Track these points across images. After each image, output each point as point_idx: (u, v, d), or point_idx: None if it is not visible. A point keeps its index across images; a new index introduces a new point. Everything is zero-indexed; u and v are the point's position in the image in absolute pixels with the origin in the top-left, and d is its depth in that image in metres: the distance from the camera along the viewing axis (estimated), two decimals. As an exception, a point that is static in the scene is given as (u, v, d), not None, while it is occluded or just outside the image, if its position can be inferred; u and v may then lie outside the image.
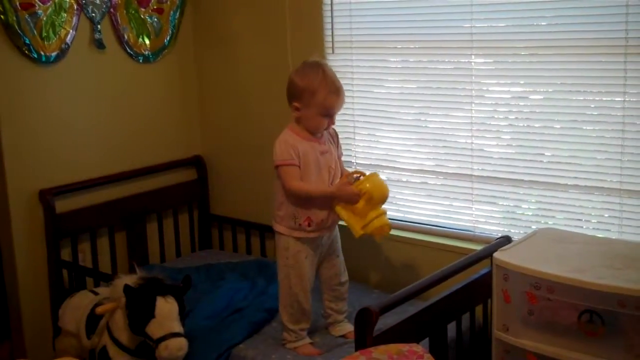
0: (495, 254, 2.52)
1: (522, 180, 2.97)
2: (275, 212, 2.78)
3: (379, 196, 2.69)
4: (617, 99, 2.69)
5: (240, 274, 3.35)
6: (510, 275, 2.44)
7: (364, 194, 2.66)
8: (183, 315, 2.64)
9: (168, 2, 3.72)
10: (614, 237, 2.76)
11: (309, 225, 2.72)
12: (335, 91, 2.69)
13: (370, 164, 3.38)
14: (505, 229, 3.03)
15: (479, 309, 2.79)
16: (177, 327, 2.55)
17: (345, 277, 2.92)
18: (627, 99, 2.66)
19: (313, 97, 2.66)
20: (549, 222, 2.91)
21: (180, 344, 2.52)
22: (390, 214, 3.33)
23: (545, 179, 2.91)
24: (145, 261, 3.65)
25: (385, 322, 2.39)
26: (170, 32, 3.76)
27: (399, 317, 2.44)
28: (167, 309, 2.55)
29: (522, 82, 2.92)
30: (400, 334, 2.36)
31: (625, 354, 2.23)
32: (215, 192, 3.98)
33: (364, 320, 2.28)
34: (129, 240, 3.61)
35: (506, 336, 2.46)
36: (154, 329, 2.53)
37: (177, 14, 3.78)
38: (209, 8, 3.82)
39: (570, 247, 2.57)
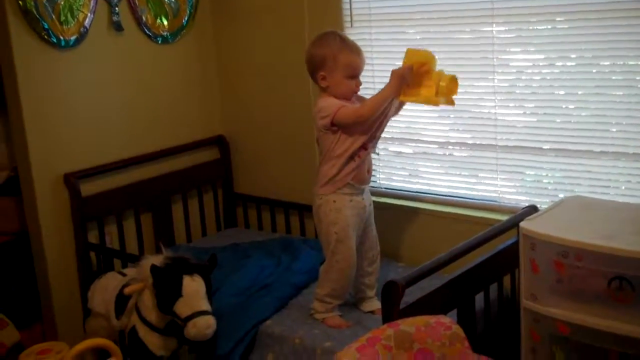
0: (522, 223, 2.49)
1: (547, 148, 2.94)
2: (324, 175, 2.75)
3: (424, 58, 2.63)
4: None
5: (266, 252, 3.36)
6: (538, 244, 2.41)
7: (410, 65, 2.62)
8: (210, 294, 2.65)
9: (184, -17, 3.71)
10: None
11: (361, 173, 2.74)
12: (356, 51, 2.72)
13: (394, 137, 3.36)
14: (532, 199, 3.00)
15: (506, 279, 2.78)
16: (205, 306, 2.57)
17: (378, 250, 2.93)
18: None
19: (336, 61, 2.67)
20: (576, 190, 2.88)
21: (208, 322, 2.53)
22: (415, 187, 3.37)
23: (570, 146, 2.88)
24: (172, 242, 3.67)
25: (414, 295, 2.38)
26: (188, 12, 3.74)
27: (427, 290, 2.42)
28: (194, 287, 2.57)
29: (544, 49, 2.86)
30: (428, 306, 2.35)
31: (656, 321, 2.21)
32: (238, 171, 3.98)
33: (390, 294, 2.27)
34: (154, 221, 3.63)
35: (535, 305, 2.44)
36: (182, 308, 2.55)
37: (194, -7, 3.76)
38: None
39: (598, 214, 2.54)
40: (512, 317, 2.71)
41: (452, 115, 3.18)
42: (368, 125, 2.68)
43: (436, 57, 2.64)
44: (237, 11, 3.78)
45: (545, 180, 3.00)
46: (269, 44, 3.68)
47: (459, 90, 2.63)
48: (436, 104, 2.66)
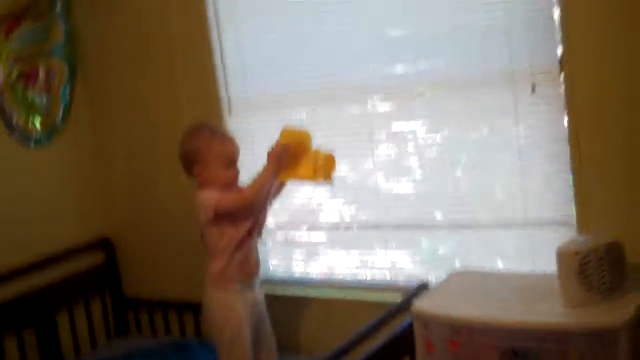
0: (414, 304, 2.47)
1: (437, 220, 2.94)
2: (211, 271, 2.67)
3: (299, 137, 2.63)
4: (512, 128, 2.70)
5: (160, 359, 3.19)
6: (430, 323, 2.38)
7: (286, 144, 2.61)
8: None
9: (56, 80, 3.58)
10: (526, 270, 2.75)
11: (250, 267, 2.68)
12: (228, 138, 2.71)
13: (283, 221, 3.30)
14: (429, 272, 2.98)
15: (407, 360, 2.73)
16: None
17: (275, 345, 2.86)
18: (521, 129, 2.69)
19: (210, 152, 2.64)
20: (470, 260, 2.88)
21: None
22: (310, 273, 3.30)
23: (459, 216, 2.89)
24: (60, 357, 3.46)
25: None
26: (61, 111, 3.61)
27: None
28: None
29: (423, 121, 2.90)
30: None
31: (552, 390, 2.19)
32: (127, 274, 3.82)
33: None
34: (38, 336, 3.40)
35: (434, 387, 2.40)
36: None
37: (67, 89, 3.63)
38: (100, 82, 3.72)
39: (486, 287, 2.54)
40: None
41: (339, 196, 3.15)
42: (252, 210, 2.63)
43: (310, 135, 2.65)
44: (115, 106, 3.69)
45: (440, 252, 2.99)
46: (149, 138, 3.59)
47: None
48: (314, 179, 2.65)
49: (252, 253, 2.71)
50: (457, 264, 2.89)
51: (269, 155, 2.62)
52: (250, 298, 2.71)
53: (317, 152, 2.63)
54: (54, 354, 3.44)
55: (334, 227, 3.21)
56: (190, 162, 2.66)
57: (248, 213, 2.65)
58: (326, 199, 3.18)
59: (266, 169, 2.62)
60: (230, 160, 2.67)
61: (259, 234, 2.79)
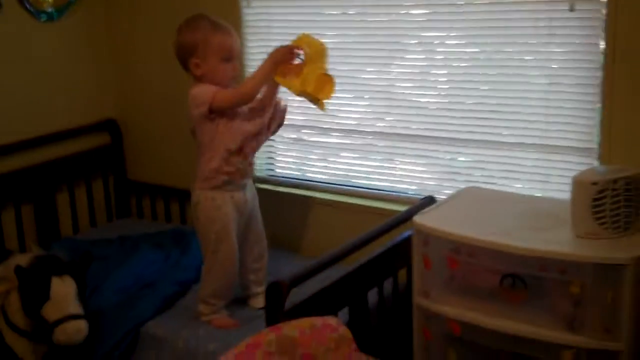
0: (415, 217, 2.39)
1: (452, 138, 2.82)
2: (203, 169, 2.57)
3: (315, 49, 2.48)
4: (543, 50, 2.55)
5: (155, 245, 3.16)
6: (431, 239, 2.31)
7: (297, 48, 2.47)
8: (84, 295, 2.45)
9: (71, -46, 3.45)
10: (539, 195, 2.64)
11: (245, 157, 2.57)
12: (229, 32, 2.55)
13: (294, 124, 3.19)
14: (437, 190, 2.88)
15: (402, 273, 2.67)
16: (75, 309, 2.37)
17: (265, 245, 2.77)
18: (554, 50, 2.53)
19: (208, 44, 2.50)
20: (485, 180, 2.78)
21: (78, 327, 2.34)
22: (317, 176, 3.22)
23: (477, 136, 2.76)
24: (57, 235, 3.44)
25: (306, 292, 2.24)
26: (76, -15, 3.49)
27: (320, 286, 2.28)
28: (63, 289, 2.37)
29: (460, 35, 2.73)
30: (317, 305, 2.22)
31: (548, 318, 2.12)
32: (132, 157, 3.76)
33: (274, 295, 2.13)
34: (36, 212, 3.37)
35: (427, 303, 2.34)
36: (50, 312, 2.35)
37: (83, -34, 3.50)
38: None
39: (495, 207, 2.46)
40: (407, 312, 2.60)
41: (363, 102, 3.03)
42: (248, 104, 2.54)
43: (326, 51, 2.49)
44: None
45: (452, 169, 2.87)
46: (165, 26, 3.40)
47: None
48: (295, 90, 2.48)
49: (248, 159, 2.60)
50: (473, 180, 2.79)
51: (272, 52, 2.49)
52: (239, 197, 2.61)
53: (316, 69, 2.46)
54: (52, 231, 3.41)
55: (350, 132, 3.09)
56: (187, 53, 2.52)
57: (243, 106, 2.54)
58: (346, 102, 3.05)
59: (263, 63, 2.49)
60: (230, 54, 2.53)
61: (258, 146, 2.66)
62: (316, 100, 2.48)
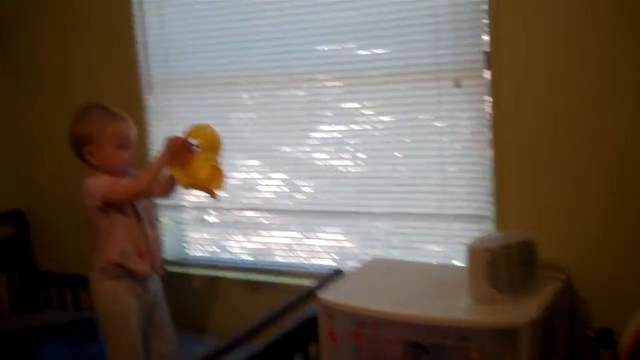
0: (319, 293, 2.41)
1: (368, 213, 2.87)
2: (100, 261, 2.53)
3: (208, 140, 2.51)
4: (436, 124, 2.65)
5: (62, 336, 3.06)
6: (335, 313, 2.33)
7: (185, 138, 2.49)
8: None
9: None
10: (443, 262, 2.71)
11: (142, 258, 2.53)
12: (121, 119, 2.57)
13: (201, 206, 3.21)
14: (346, 261, 2.92)
15: (313, 347, 2.66)
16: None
17: (171, 329, 2.74)
18: (442, 124, 2.64)
19: (102, 132, 2.51)
20: (392, 252, 2.84)
21: None
22: (228, 256, 3.22)
23: (382, 209, 2.83)
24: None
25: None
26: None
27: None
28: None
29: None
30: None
31: (453, 386, 2.16)
32: (39, 248, 3.69)
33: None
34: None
35: (336, 378, 2.35)
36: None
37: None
38: (18, 56, 3.59)
39: (398, 277, 2.51)
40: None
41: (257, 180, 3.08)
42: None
43: (219, 140, 2.53)
44: (33, 83, 3.57)
45: (368, 242, 2.91)
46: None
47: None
48: (180, 183, 2.53)
49: (144, 244, 2.57)
50: (380, 252, 2.85)
51: (167, 143, 2.52)
52: (140, 288, 2.58)
53: (208, 160, 2.50)
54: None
55: (267, 209, 3.12)
56: (81, 144, 2.52)
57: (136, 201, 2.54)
58: (263, 177, 3.10)
59: (158, 158, 2.51)
60: (125, 141, 2.54)
61: (152, 221, 2.64)
62: (208, 191, 2.51)
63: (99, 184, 2.48)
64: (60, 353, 2.93)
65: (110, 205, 2.49)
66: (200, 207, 3.23)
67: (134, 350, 2.55)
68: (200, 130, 2.54)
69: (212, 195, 2.52)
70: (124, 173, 2.57)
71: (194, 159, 2.49)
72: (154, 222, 2.63)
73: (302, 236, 3.05)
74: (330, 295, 2.38)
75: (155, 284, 2.67)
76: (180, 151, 2.48)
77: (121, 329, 2.52)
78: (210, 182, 2.49)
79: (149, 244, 2.56)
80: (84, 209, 2.54)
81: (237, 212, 3.17)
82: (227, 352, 2.28)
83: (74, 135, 2.55)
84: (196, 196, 3.13)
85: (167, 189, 2.65)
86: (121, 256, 2.50)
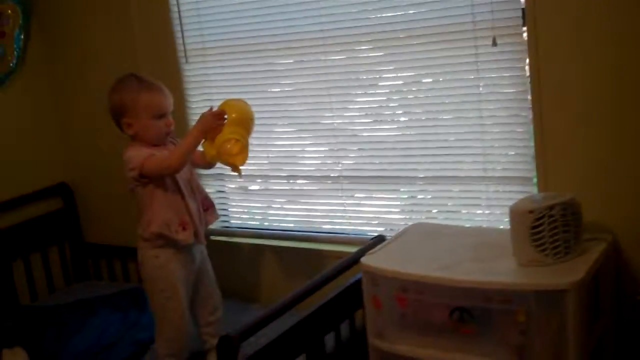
0: (362, 259, 2.42)
1: (409, 177, 2.84)
2: (143, 232, 2.56)
3: (239, 114, 2.49)
4: (476, 84, 2.60)
5: (113, 306, 3.14)
6: (379, 279, 2.34)
7: (217, 113, 2.48)
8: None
9: (10, 24, 3.46)
10: (485, 226, 2.69)
11: (184, 228, 2.55)
12: (157, 89, 2.56)
13: (248, 174, 3.22)
14: (389, 228, 2.91)
15: (359, 315, 2.68)
16: (26, 380, 2.36)
17: (219, 297, 2.77)
18: (482, 85, 2.59)
19: (138, 103, 2.51)
20: (433, 217, 2.82)
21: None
22: (272, 224, 3.24)
23: (422, 173, 2.80)
24: (15, 302, 3.41)
25: (263, 340, 2.25)
26: (15, 54, 3.50)
27: (277, 333, 2.28)
28: (14, 361, 2.36)
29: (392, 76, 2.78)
30: (273, 354, 2.23)
31: (498, 349, 2.15)
32: (86, 220, 3.76)
33: (225, 349, 2.13)
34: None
35: (381, 343, 2.36)
36: (2, 384, 2.34)
37: (22, 35, 3.52)
38: (55, 27, 3.61)
39: (440, 242, 2.50)
40: (365, 355, 2.62)
41: (307, 148, 3.09)
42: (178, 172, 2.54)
43: (252, 116, 2.52)
44: (71, 55, 3.60)
45: (404, 208, 2.91)
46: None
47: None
48: (209, 158, 2.52)
49: (186, 215, 2.57)
50: (422, 217, 2.83)
51: (200, 118, 2.51)
52: (185, 256, 2.60)
53: (234, 133, 2.46)
54: (10, 300, 3.39)
55: (308, 177, 3.11)
56: (118, 114, 2.54)
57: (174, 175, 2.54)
58: (303, 148, 3.10)
59: (190, 132, 2.52)
60: (160, 111, 2.54)
61: (196, 196, 2.65)
62: (231, 165, 2.50)
63: (135, 155, 2.50)
64: (111, 323, 2.99)
65: (149, 177, 2.50)
66: (243, 176, 3.24)
67: (182, 317, 2.59)
68: (232, 104, 2.53)
69: (236, 170, 2.50)
70: (164, 143, 2.58)
71: (222, 132, 2.48)
72: (196, 193, 2.64)
73: (344, 203, 3.04)
74: (373, 260, 2.38)
75: (201, 253, 2.70)
76: (212, 126, 2.47)
77: (168, 296, 2.56)
78: (234, 156, 2.46)
79: (191, 215, 2.57)
80: (126, 179, 2.57)
81: (279, 181, 3.18)
82: (272, 320, 2.30)
83: (111, 106, 2.57)
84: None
85: (209, 161, 2.66)
86: (163, 227, 2.52)
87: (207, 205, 2.70)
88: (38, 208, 3.60)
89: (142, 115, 2.51)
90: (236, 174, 2.53)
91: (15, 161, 3.53)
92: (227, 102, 2.54)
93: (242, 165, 2.49)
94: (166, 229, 2.53)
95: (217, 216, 2.76)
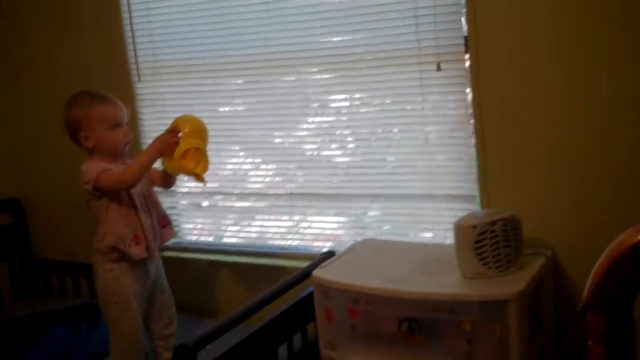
0: (314, 272, 2.51)
1: (359, 195, 2.94)
2: (98, 244, 2.60)
3: (192, 127, 2.55)
4: (420, 108, 2.73)
5: (65, 320, 3.16)
6: (330, 291, 2.43)
7: (176, 128, 2.53)
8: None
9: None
10: (430, 242, 2.81)
11: (137, 243, 2.60)
12: (109, 101, 2.62)
13: (197, 191, 3.29)
14: (338, 244, 3.00)
15: (311, 327, 2.76)
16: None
17: (173, 311, 2.82)
18: (427, 107, 2.72)
19: (91, 116, 2.56)
20: (382, 232, 2.92)
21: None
22: (225, 240, 3.31)
23: (372, 190, 2.91)
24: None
25: (216, 352, 2.31)
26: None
27: (229, 345, 2.34)
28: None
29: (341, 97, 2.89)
30: (228, 365, 2.30)
31: (445, 357, 2.26)
32: (37, 235, 3.76)
33: (181, 358, 2.18)
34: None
35: (332, 353, 2.45)
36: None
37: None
38: (7, 43, 3.64)
39: (388, 257, 2.61)
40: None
41: (253, 166, 3.16)
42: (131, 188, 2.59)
43: (205, 128, 2.60)
44: (23, 70, 3.62)
45: (353, 225, 3.00)
46: (58, 103, 3.48)
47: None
48: (171, 171, 2.60)
49: (139, 230, 2.62)
50: (370, 234, 2.93)
51: (156, 139, 2.57)
52: (139, 270, 2.65)
53: (192, 144, 2.53)
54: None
55: (261, 195, 3.19)
56: (74, 130, 2.58)
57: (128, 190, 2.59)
58: (254, 167, 3.18)
59: (146, 150, 2.57)
60: (115, 121, 2.59)
61: (150, 210, 2.69)
62: (193, 175, 2.57)
63: (90, 169, 2.54)
64: (64, 336, 3.02)
65: (102, 191, 2.55)
66: (194, 194, 3.31)
67: (136, 329, 2.63)
68: (184, 119, 2.60)
69: (199, 178, 2.57)
70: (122, 156, 2.63)
71: (179, 145, 2.53)
72: (152, 209, 2.69)
73: (294, 220, 3.13)
74: (324, 273, 2.48)
75: (157, 267, 2.74)
76: (167, 142, 2.53)
77: (122, 309, 2.59)
78: (194, 164, 2.54)
79: (144, 230, 2.62)
80: (81, 191, 2.60)
81: (230, 198, 3.25)
82: (229, 329, 2.36)
83: (66, 122, 2.61)
84: (190, 184, 3.21)
85: (167, 180, 2.72)
86: (116, 240, 2.56)
87: (165, 223, 2.76)
88: (-12, 224, 3.60)
89: (97, 127, 2.56)
90: (200, 183, 2.59)
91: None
92: (179, 118, 2.61)
93: (204, 173, 2.56)
94: (119, 242, 2.57)
95: (174, 233, 2.82)
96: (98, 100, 2.60)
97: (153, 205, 2.70)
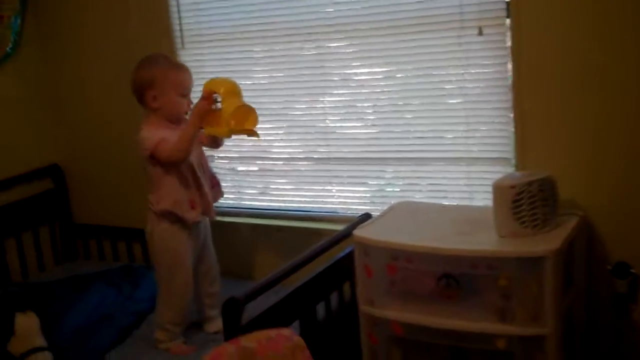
0: (355, 231, 2.58)
1: (386, 158, 3.03)
2: (154, 207, 2.69)
3: (225, 87, 2.60)
4: (456, 72, 2.79)
5: (106, 282, 3.26)
6: (370, 249, 2.50)
7: (210, 93, 2.59)
8: (45, 329, 2.55)
9: (7, 9, 3.55)
10: (465, 204, 2.87)
11: (193, 207, 2.69)
12: (185, 69, 2.72)
13: (241, 156, 3.38)
14: (373, 207, 3.06)
15: (347, 287, 2.84)
16: (40, 342, 2.47)
17: (217, 270, 2.92)
18: (465, 71, 2.77)
19: (166, 79, 2.64)
20: (415, 196, 2.98)
21: (44, 359, 2.44)
22: (263, 204, 3.39)
23: (407, 154, 2.98)
24: (7, 279, 3.50)
25: (259, 308, 2.38)
26: (12, 38, 3.59)
27: (273, 301, 2.43)
28: (27, 324, 2.46)
29: (381, 63, 2.94)
30: (270, 320, 2.37)
31: (481, 312, 2.33)
32: (77, 200, 3.86)
33: (230, 310, 2.27)
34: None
35: (372, 309, 2.53)
36: (16, 346, 2.44)
37: (18, 19, 3.61)
38: (51, 12, 3.70)
39: (425, 218, 2.68)
40: (354, 322, 2.78)
41: (297, 132, 3.22)
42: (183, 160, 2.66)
43: (236, 86, 2.63)
44: (66, 38, 3.70)
45: (388, 189, 3.07)
46: (102, 70, 3.60)
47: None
48: (224, 134, 2.63)
49: (196, 194, 2.72)
50: (406, 196, 3.00)
51: (193, 107, 2.64)
52: (192, 231, 2.74)
53: (233, 104, 2.56)
54: (2, 278, 3.48)
55: (287, 161, 3.27)
56: (145, 87, 2.65)
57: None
58: (280, 135, 3.25)
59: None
60: (185, 90, 2.69)
61: (206, 177, 2.79)
62: (246, 132, 2.63)
63: (149, 137, 2.62)
64: (107, 295, 3.12)
65: (157, 159, 2.63)
66: (231, 158, 3.40)
67: (187, 286, 2.73)
68: (215, 82, 2.65)
69: (252, 133, 2.62)
70: (180, 122, 2.70)
71: (222, 109, 2.59)
72: (205, 171, 2.78)
73: (331, 183, 3.21)
74: (364, 232, 2.55)
75: (205, 227, 2.84)
76: (205, 109, 2.59)
77: (177, 266, 2.70)
78: (245, 121, 2.59)
79: (202, 193, 2.72)
80: (139, 155, 2.69)
81: (268, 162, 3.33)
82: (274, 285, 2.45)
83: (139, 78, 2.67)
84: (226, 148, 3.29)
85: (215, 141, 2.80)
86: (173, 205, 2.66)
87: (214, 183, 2.85)
88: (30, 189, 3.69)
89: (169, 91, 2.64)
90: (254, 137, 2.65)
91: (8, 143, 3.61)
92: (210, 82, 2.66)
93: (255, 126, 2.61)
94: (176, 207, 2.66)
95: (222, 193, 2.90)
96: (176, 66, 2.71)
97: (206, 167, 2.79)
